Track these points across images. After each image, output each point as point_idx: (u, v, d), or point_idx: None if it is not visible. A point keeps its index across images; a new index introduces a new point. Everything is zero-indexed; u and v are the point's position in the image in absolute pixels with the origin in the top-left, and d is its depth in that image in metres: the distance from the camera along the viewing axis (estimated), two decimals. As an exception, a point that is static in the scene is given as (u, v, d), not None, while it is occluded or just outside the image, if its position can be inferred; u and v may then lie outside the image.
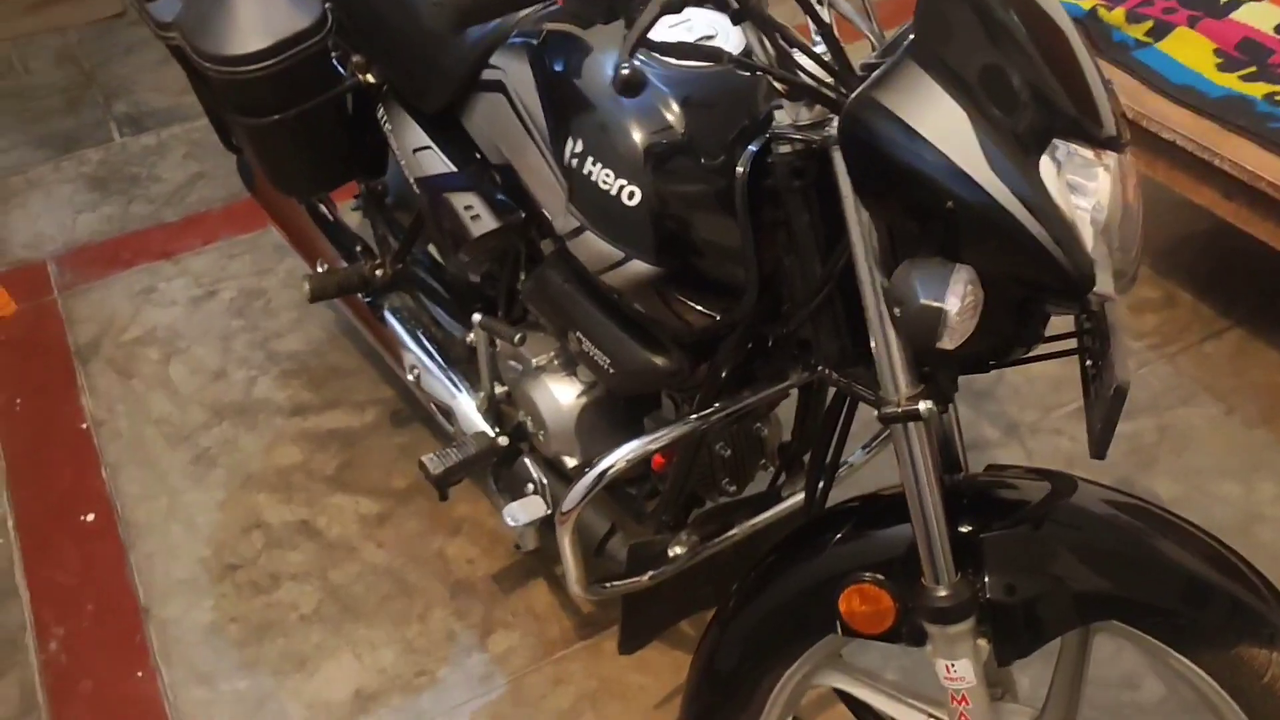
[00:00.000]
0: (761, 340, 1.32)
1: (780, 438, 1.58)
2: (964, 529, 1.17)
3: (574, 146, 1.28)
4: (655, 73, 1.23)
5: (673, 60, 1.22)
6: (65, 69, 3.56)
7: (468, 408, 1.82)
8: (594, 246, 1.28)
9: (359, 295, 2.02)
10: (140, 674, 1.94)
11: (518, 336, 1.60)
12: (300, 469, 2.27)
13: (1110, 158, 0.99)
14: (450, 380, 1.86)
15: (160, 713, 1.89)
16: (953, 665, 1.17)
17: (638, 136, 1.21)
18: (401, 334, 1.96)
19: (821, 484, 1.37)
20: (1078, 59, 1.00)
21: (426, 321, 1.96)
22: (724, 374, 1.32)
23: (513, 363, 1.69)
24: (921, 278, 0.93)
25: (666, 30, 1.26)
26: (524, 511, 1.64)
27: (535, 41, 1.39)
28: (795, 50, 1.03)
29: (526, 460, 1.72)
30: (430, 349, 1.91)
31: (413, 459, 2.22)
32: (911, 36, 0.96)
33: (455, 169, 1.58)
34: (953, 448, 1.23)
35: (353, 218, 2.19)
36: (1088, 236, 0.97)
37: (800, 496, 1.50)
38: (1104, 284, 0.99)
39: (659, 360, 1.35)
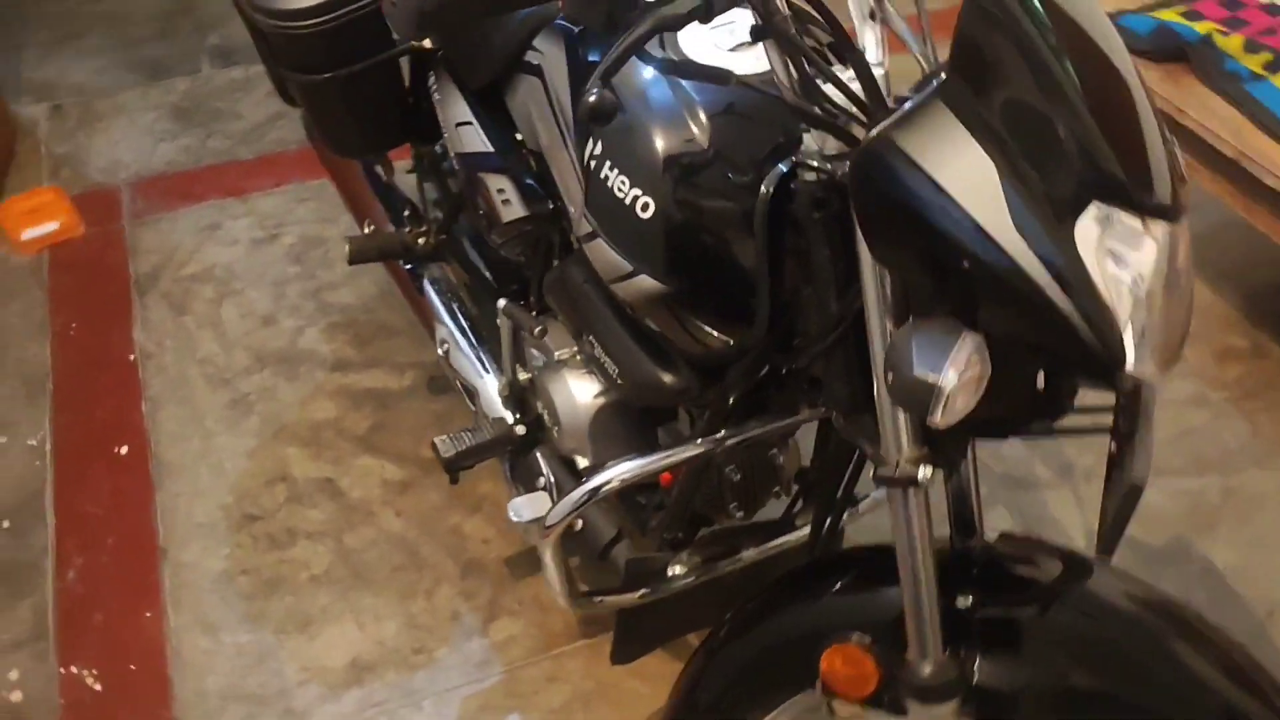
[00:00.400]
0: (774, 370, 1.24)
1: (798, 465, 1.50)
2: (962, 601, 1.09)
3: (594, 147, 1.21)
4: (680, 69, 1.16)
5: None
6: (165, -4, 3.59)
7: (490, 391, 1.77)
8: (606, 254, 1.21)
9: (400, 261, 1.98)
10: (149, 614, 1.95)
11: (538, 329, 1.54)
12: (332, 426, 2.25)
13: (1160, 227, 0.89)
14: (479, 360, 1.81)
15: (161, 656, 1.89)
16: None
17: (659, 144, 1.14)
18: (437, 306, 1.92)
19: (827, 525, 1.29)
20: (1137, 113, 0.90)
21: (463, 296, 1.92)
22: (732, 400, 1.25)
23: (535, 352, 1.64)
24: (921, 343, 0.85)
25: (708, 30, 1.18)
26: (529, 508, 1.59)
27: (575, 28, 1.32)
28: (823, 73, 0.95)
29: (539, 454, 1.67)
30: (463, 325, 1.87)
31: (445, 428, 2.18)
32: (943, 74, 0.87)
33: (492, 149, 1.52)
34: (967, 507, 1.14)
35: (409, 181, 2.16)
36: (1123, 311, 0.88)
37: (812, 529, 1.43)
38: (1140, 364, 0.89)
39: (667, 377, 1.29)
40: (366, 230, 2.04)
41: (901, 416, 0.99)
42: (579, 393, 1.55)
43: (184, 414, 2.29)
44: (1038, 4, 0.89)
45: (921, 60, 1.09)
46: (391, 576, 2.00)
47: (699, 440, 1.29)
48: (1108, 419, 1.05)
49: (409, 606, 1.95)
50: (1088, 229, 0.87)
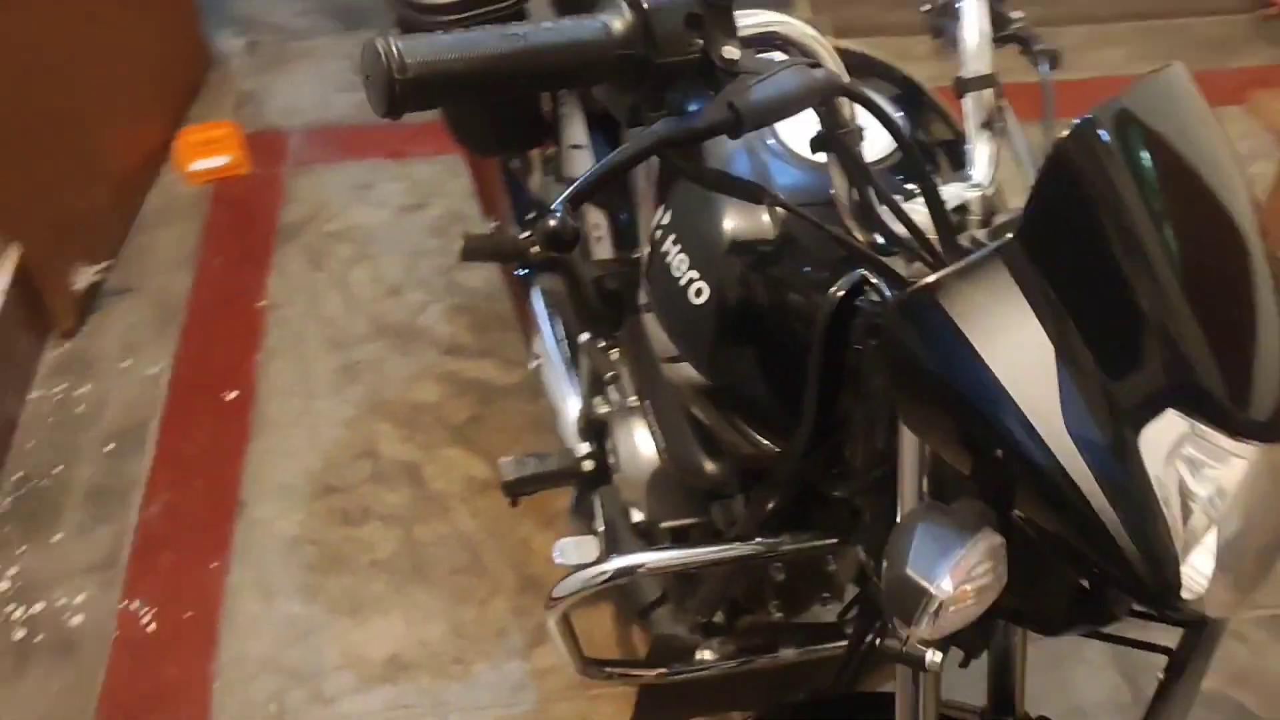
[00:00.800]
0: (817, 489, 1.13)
1: (855, 572, 1.38)
2: None
3: (662, 215, 1.11)
4: (773, 153, 1.05)
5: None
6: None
7: (569, 418, 1.71)
8: (657, 331, 1.12)
9: (513, 267, 1.94)
10: (214, 565, 1.98)
11: (611, 373, 1.47)
12: (431, 410, 2.24)
13: (1253, 448, 0.74)
14: (566, 383, 1.75)
15: (216, 611, 1.92)
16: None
17: (726, 229, 1.04)
18: (539, 318, 1.87)
19: (857, 656, 1.18)
20: (1255, 306, 0.76)
21: (566, 314, 1.85)
22: (769, 507, 1.14)
23: (613, 391, 1.56)
24: (925, 535, 0.73)
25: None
26: (575, 552, 1.52)
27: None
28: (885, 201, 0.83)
29: (599, 496, 1.60)
30: (559, 343, 1.81)
31: (540, 433, 2.15)
32: (1010, 234, 0.74)
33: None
34: (1008, 680, 1.01)
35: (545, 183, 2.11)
36: (1188, 534, 0.74)
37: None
38: (1205, 597, 0.75)
39: (709, 465, 1.19)
40: (489, 226, 2.00)
41: None
42: (643, 445, 1.46)
43: (294, 371, 2.32)
44: (1147, 155, 0.75)
45: (1032, 172, 0.95)
46: (450, 578, 1.97)
47: (732, 542, 1.19)
48: (1168, 636, 0.90)
49: (460, 612, 1.92)
50: (1158, 437, 0.73)
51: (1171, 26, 3.29)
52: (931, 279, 0.73)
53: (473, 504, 2.08)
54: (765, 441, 1.08)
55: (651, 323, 1.14)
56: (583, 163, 1.48)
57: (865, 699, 1.18)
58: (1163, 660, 0.91)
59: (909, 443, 0.84)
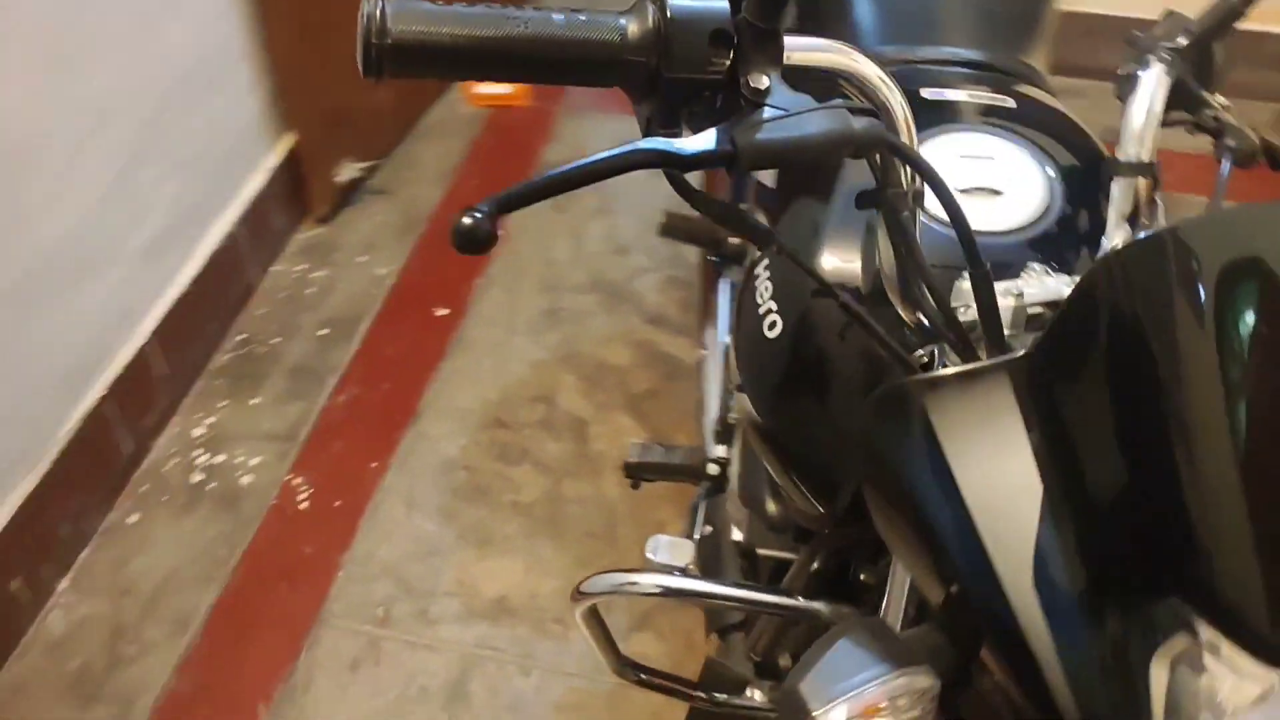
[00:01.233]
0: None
1: None
2: None
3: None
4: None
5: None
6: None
7: (710, 418, 1.67)
8: (734, 360, 1.06)
9: (708, 252, 1.90)
10: (374, 465, 2.09)
11: (737, 383, 1.41)
12: (616, 374, 2.25)
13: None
14: (717, 381, 1.71)
15: (363, 507, 2.02)
16: None
17: (824, 262, 0.96)
18: (719, 309, 1.82)
19: None
20: None
21: (745, 312, 1.80)
22: (813, 567, 1.07)
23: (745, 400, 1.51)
24: (842, 652, 0.65)
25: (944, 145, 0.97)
26: (667, 552, 1.49)
27: None
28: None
29: (706, 502, 1.55)
30: (727, 340, 1.77)
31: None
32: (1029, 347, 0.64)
33: (773, 186, 1.38)
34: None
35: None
36: None
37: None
38: None
39: (770, 504, 1.13)
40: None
41: None
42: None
43: (505, 302, 2.39)
44: (1249, 300, 0.62)
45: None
46: (580, 539, 1.98)
47: (771, 592, 1.12)
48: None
49: (578, 575, 1.90)
50: (1154, 627, 0.62)
51: None
52: (922, 377, 0.65)
53: (624, 482, 2.08)
54: (809, 497, 1.01)
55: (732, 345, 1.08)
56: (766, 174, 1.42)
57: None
58: None
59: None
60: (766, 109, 0.66)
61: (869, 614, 1.06)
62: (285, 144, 2.40)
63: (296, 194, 2.46)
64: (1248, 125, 0.89)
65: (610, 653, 1.32)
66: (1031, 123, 1.00)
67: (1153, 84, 0.85)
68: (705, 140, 0.65)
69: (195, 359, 2.21)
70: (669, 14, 0.65)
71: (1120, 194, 0.87)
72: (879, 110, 0.72)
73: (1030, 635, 0.63)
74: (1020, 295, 0.75)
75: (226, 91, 2.18)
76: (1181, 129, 0.89)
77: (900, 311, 0.77)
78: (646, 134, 0.70)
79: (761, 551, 1.37)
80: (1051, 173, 0.94)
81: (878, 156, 0.73)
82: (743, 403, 1.06)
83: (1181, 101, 0.88)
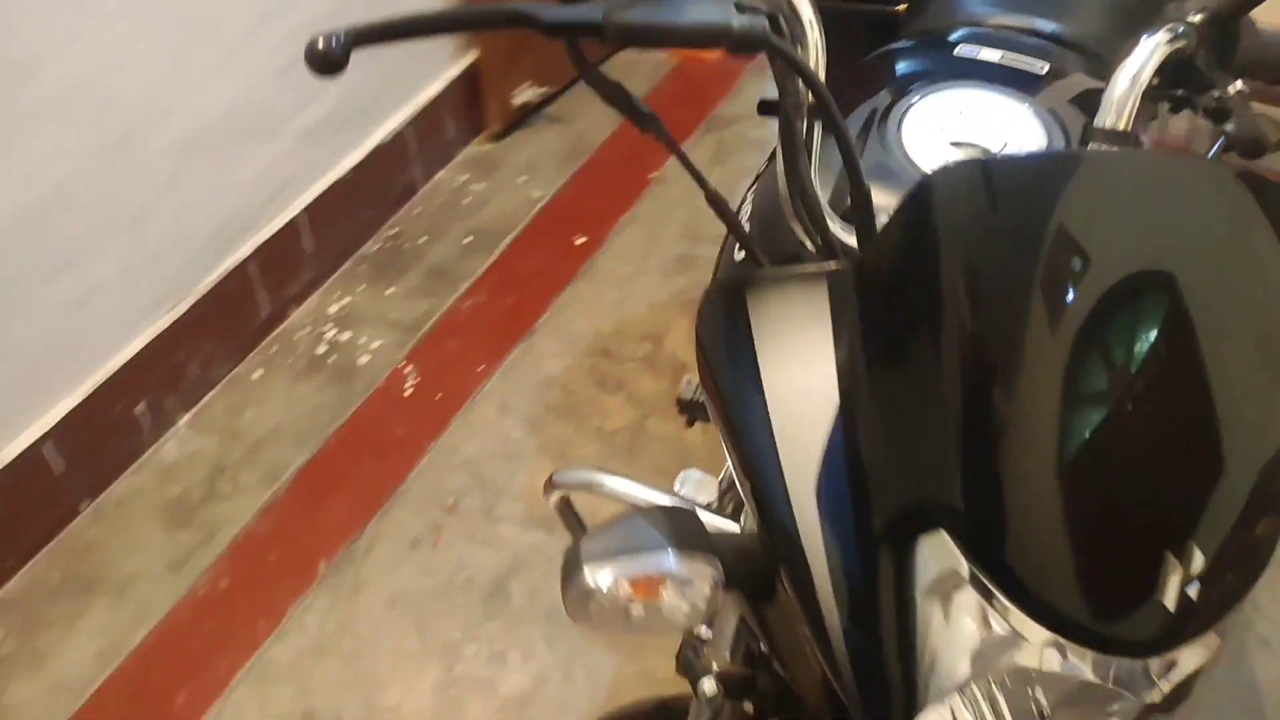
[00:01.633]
0: None
1: None
2: None
3: None
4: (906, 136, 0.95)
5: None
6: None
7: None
8: None
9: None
10: (480, 369, 2.19)
11: None
12: (730, 327, 2.26)
13: (1045, 637, 0.60)
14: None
15: (459, 406, 2.13)
16: None
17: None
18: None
19: None
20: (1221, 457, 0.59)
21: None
22: None
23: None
24: (631, 526, 0.66)
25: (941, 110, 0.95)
26: (693, 487, 1.51)
27: None
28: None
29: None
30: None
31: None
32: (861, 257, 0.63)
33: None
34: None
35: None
36: (932, 683, 0.62)
37: None
38: None
39: None
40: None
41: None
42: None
43: (642, 241, 2.44)
44: (1109, 229, 0.60)
45: None
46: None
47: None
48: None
49: (639, 507, 1.97)
50: (928, 557, 0.61)
51: None
52: (751, 275, 0.65)
53: (710, 425, 2.10)
54: None
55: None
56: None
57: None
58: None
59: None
60: None
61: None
62: (467, 59, 2.51)
63: (472, 108, 2.58)
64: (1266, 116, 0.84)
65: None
66: (1055, 91, 0.96)
67: (1145, 53, 0.80)
68: (577, 10, 0.67)
69: (345, 242, 2.37)
70: None
71: (1097, 160, 0.83)
72: (797, 30, 0.72)
73: (808, 545, 0.63)
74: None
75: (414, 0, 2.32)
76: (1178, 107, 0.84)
77: (786, 218, 0.77)
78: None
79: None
80: (1055, 137, 0.91)
81: (779, 67, 0.73)
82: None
83: (1186, 78, 0.83)
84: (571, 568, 0.65)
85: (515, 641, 1.79)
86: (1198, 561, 0.59)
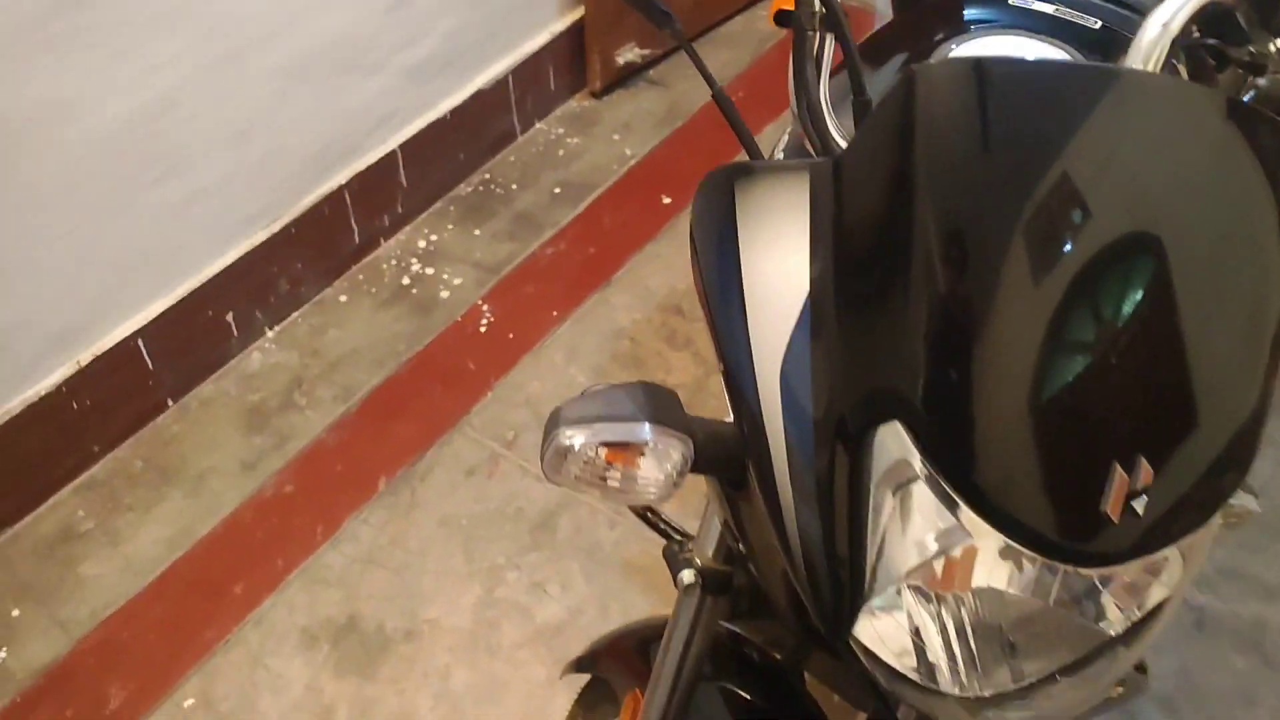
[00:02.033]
0: None
1: None
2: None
3: None
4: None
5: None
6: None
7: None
8: None
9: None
10: (555, 313, 2.25)
11: None
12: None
13: (991, 536, 0.62)
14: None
15: (531, 345, 2.19)
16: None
17: None
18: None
19: None
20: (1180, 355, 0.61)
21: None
22: None
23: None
24: (609, 394, 0.70)
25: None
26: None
27: None
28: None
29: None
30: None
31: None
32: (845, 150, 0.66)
33: None
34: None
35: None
36: (879, 572, 0.65)
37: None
38: (878, 656, 0.67)
39: None
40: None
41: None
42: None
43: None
44: (1090, 139, 0.62)
45: None
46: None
47: None
48: None
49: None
50: (883, 446, 0.64)
51: None
52: (738, 164, 0.69)
53: (773, 387, 2.12)
54: None
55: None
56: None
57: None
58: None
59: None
60: None
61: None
62: (573, 16, 2.57)
63: (576, 65, 2.64)
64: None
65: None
66: (1106, 46, 0.97)
67: (1179, 1, 0.81)
68: None
69: (438, 181, 2.45)
70: None
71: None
72: None
73: (769, 428, 0.66)
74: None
75: (528, -49, 2.38)
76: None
77: (796, 120, 0.80)
78: None
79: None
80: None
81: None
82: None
83: (1225, 31, 0.83)
84: (551, 426, 0.70)
85: (556, 573, 1.85)
86: (1144, 476, 0.61)
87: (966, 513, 0.62)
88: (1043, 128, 0.60)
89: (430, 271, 2.33)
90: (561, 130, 2.65)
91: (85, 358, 1.88)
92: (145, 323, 1.95)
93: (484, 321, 2.23)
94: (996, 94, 0.62)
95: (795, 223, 0.66)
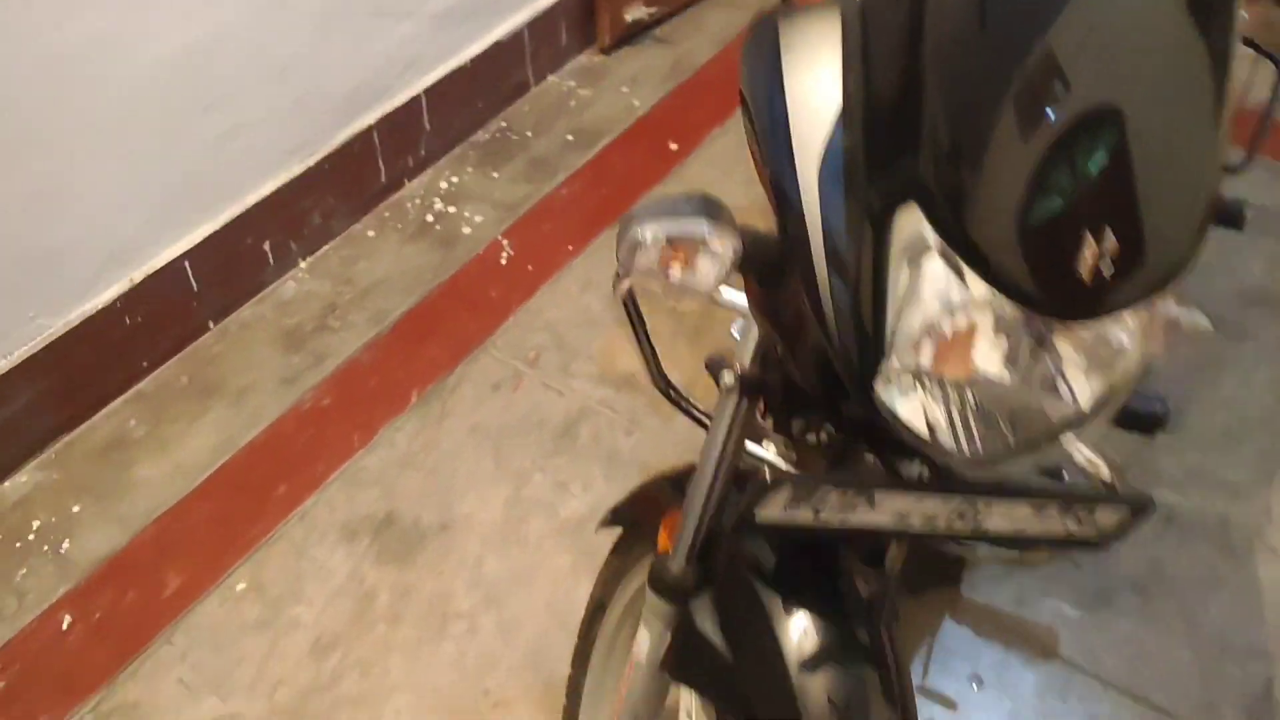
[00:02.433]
0: None
1: None
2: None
3: None
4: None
5: None
6: None
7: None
8: None
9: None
10: (570, 248, 2.39)
11: None
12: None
13: (993, 300, 0.77)
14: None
15: (547, 276, 2.34)
16: (641, 632, 1.13)
17: None
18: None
19: None
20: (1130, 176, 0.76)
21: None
22: None
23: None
24: (678, 200, 0.85)
25: None
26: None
27: None
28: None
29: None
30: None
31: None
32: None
33: None
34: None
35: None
36: (898, 337, 0.79)
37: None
38: (910, 416, 0.81)
39: None
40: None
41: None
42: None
43: (729, 150, 2.62)
44: None
45: None
46: (711, 349, 2.20)
47: None
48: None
49: (699, 376, 2.16)
50: (902, 226, 0.79)
51: None
52: (785, 7, 0.84)
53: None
54: None
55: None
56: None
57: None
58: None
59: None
60: None
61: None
62: (583, -27, 2.72)
63: (586, 23, 2.79)
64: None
65: (649, 354, 1.54)
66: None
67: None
68: None
69: (459, 127, 2.59)
70: None
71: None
72: None
73: (808, 218, 0.81)
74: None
75: (544, -92, 2.53)
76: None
77: None
78: None
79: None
80: None
81: None
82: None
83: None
84: (626, 223, 0.84)
85: (577, 474, 1.99)
86: (1111, 248, 0.76)
87: (969, 274, 0.77)
88: (1032, 8, 0.75)
89: (452, 210, 2.47)
90: (573, 83, 2.80)
91: (138, 276, 2.01)
92: (191, 246, 2.08)
93: (504, 255, 2.38)
94: None
95: (831, 51, 0.80)
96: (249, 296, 2.25)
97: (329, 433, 2.05)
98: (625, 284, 1.47)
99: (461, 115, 2.57)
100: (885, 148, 0.79)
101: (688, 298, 0.91)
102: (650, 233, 0.84)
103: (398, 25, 2.28)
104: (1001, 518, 0.90)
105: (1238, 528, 1.96)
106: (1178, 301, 0.92)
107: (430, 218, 2.45)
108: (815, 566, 1.10)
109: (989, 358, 0.79)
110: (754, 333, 1.01)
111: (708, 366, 1.05)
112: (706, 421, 1.56)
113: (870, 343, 0.81)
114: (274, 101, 2.11)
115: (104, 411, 2.06)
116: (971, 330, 0.79)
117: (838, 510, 0.88)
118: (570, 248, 2.40)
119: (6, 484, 1.95)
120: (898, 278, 0.79)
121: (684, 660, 1.09)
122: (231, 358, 2.17)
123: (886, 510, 0.89)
